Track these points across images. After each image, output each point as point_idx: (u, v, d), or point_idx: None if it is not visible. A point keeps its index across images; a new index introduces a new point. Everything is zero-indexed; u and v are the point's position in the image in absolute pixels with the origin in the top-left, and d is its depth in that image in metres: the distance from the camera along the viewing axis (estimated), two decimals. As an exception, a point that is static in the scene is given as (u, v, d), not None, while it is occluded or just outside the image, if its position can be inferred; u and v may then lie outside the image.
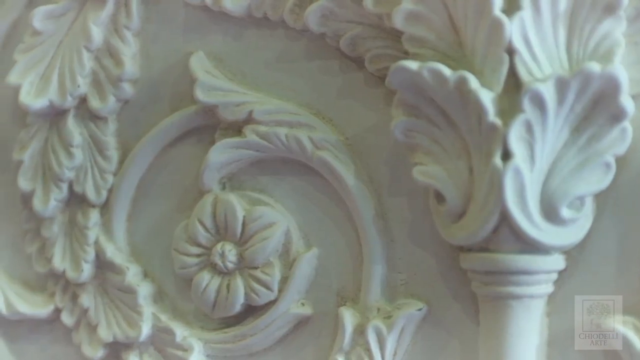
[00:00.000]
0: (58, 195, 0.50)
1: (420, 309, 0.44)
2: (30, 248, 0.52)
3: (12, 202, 0.52)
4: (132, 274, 0.49)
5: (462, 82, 0.40)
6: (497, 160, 0.39)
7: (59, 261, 0.50)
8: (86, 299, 0.50)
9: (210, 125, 0.48)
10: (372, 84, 0.45)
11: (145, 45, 0.49)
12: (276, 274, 0.46)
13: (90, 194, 0.49)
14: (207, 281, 0.47)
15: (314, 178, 0.47)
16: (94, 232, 0.50)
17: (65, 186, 0.50)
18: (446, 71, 0.40)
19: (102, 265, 0.50)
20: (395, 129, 0.43)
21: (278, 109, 0.46)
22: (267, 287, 0.46)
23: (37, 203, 0.50)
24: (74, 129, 0.49)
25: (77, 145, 0.49)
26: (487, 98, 0.39)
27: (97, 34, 0.48)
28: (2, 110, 0.52)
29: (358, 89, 0.46)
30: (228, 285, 0.47)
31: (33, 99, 0.49)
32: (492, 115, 0.40)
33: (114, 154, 0.49)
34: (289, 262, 0.47)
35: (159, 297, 0.50)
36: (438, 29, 0.41)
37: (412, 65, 0.41)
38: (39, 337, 0.53)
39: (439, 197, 0.43)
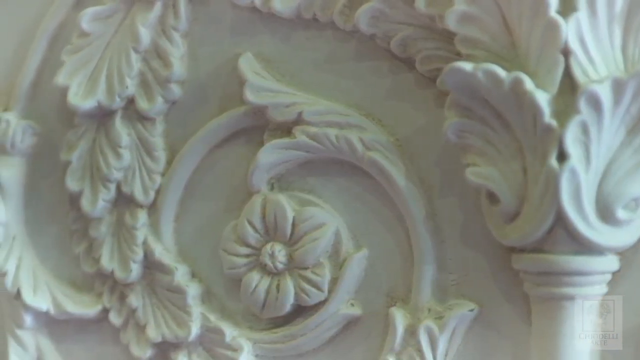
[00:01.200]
0: (106, 195, 0.50)
1: (472, 310, 0.44)
2: (78, 248, 0.52)
3: (59, 203, 0.53)
4: (181, 274, 0.50)
5: (517, 83, 0.40)
6: (553, 161, 0.39)
7: (107, 261, 0.50)
8: (134, 299, 0.50)
9: (258, 126, 0.48)
10: (422, 85, 0.46)
11: (193, 47, 0.49)
12: (326, 274, 0.46)
13: (139, 195, 0.50)
14: (257, 281, 0.47)
15: (363, 179, 0.47)
16: (142, 233, 0.50)
17: (113, 187, 0.50)
18: (501, 72, 0.40)
19: (150, 265, 0.50)
20: (448, 130, 0.43)
21: (328, 110, 0.46)
22: (318, 288, 0.46)
23: (85, 203, 0.50)
24: (121, 130, 0.49)
25: (125, 146, 0.49)
26: (543, 99, 0.39)
27: (145, 35, 0.48)
28: (49, 111, 0.53)
29: (408, 90, 0.46)
30: (278, 286, 0.47)
31: (81, 100, 0.49)
32: (548, 117, 0.40)
33: (161, 154, 0.50)
34: (338, 262, 0.47)
35: (207, 297, 0.50)
36: (491, 30, 0.41)
37: (467, 66, 0.41)
38: (86, 337, 0.53)
39: (492, 198, 0.43)
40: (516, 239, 0.42)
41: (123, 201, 0.50)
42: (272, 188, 0.48)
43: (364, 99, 0.47)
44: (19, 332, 0.53)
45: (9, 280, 0.52)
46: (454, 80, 0.42)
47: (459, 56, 0.42)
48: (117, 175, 0.50)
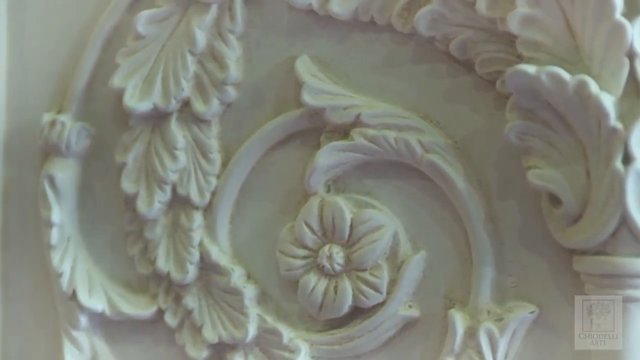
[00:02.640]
0: (162, 197, 0.50)
1: (532, 312, 0.45)
2: (133, 250, 0.52)
3: (113, 204, 0.53)
4: (237, 276, 0.50)
5: (581, 86, 0.40)
6: (619, 164, 0.39)
7: (163, 263, 0.51)
8: (190, 300, 0.51)
9: (314, 129, 0.48)
10: (481, 88, 0.46)
11: (249, 49, 0.49)
12: (385, 276, 0.47)
13: (194, 196, 0.50)
14: (314, 283, 0.47)
15: (421, 181, 0.47)
16: (197, 234, 0.50)
17: (168, 188, 0.50)
18: (565, 75, 0.40)
19: (206, 267, 0.50)
20: (510, 132, 0.43)
21: (386, 113, 0.47)
22: (376, 290, 0.47)
23: (140, 205, 0.50)
24: (177, 132, 0.50)
25: (181, 148, 0.50)
26: (608, 102, 0.39)
27: (201, 37, 0.48)
28: (103, 114, 0.53)
29: (467, 93, 0.46)
30: (335, 287, 0.47)
31: (137, 102, 0.49)
32: (613, 120, 0.40)
33: (216, 156, 0.50)
34: (396, 264, 0.47)
35: (262, 298, 0.50)
36: (554, 32, 0.41)
37: (530, 69, 0.41)
38: (141, 337, 0.53)
39: (554, 201, 0.43)
40: (579, 241, 0.42)
41: (178, 203, 0.51)
42: (328, 190, 0.48)
43: (422, 101, 0.47)
44: (74, 333, 0.53)
45: (64, 281, 0.53)
46: (516, 83, 0.42)
47: (520, 59, 0.42)
48: (173, 177, 0.50)
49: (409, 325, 0.47)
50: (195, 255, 0.50)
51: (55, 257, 0.53)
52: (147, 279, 0.52)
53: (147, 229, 0.51)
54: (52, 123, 0.52)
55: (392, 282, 0.47)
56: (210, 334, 0.50)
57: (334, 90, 0.47)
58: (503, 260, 0.45)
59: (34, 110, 0.54)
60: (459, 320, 0.46)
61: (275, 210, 0.50)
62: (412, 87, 0.47)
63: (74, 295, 0.52)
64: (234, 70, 0.49)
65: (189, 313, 0.51)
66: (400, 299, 0.47)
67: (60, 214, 0.53)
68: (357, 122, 0.47)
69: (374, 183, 0.48)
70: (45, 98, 0.54)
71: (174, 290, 0.51)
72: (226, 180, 0.50)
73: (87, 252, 0.54)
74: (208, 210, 0.50)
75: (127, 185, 0.51)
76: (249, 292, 0.49)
